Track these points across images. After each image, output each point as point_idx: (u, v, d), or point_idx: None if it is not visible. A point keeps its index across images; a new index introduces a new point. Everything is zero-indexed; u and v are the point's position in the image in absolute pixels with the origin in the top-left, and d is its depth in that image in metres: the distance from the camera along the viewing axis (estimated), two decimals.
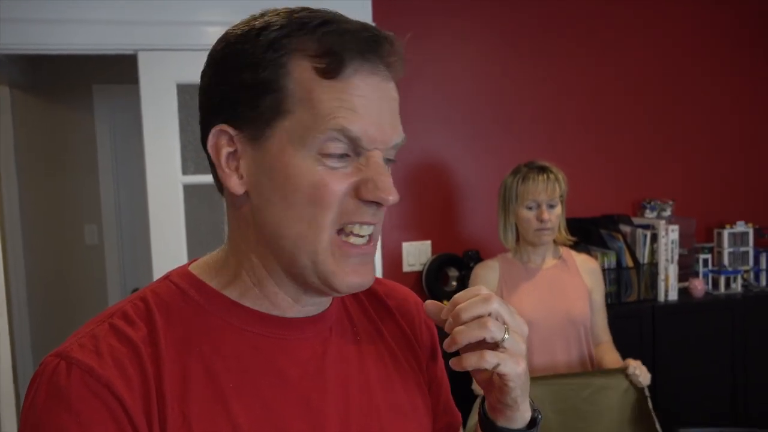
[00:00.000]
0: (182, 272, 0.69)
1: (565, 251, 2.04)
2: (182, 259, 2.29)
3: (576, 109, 2.67)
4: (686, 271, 2.63)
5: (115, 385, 0.57)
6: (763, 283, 2.67)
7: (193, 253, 2.31)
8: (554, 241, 2.00)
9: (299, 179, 0.61)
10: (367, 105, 0.62)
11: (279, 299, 0.67)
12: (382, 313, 0.78)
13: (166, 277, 0.68)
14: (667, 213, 2.65)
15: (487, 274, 2.01)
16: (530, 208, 1.91)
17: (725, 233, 2.68)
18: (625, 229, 2.54)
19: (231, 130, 0.64)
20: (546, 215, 1.88)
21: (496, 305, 0.64)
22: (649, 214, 2.65)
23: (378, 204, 0.64)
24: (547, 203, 1.89)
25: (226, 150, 0.64)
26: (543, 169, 1.92)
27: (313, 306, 0.69)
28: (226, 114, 0.64)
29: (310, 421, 0.64)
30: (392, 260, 2.51)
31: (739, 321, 2.49)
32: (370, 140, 0.62)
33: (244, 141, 0.63)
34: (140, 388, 0.58)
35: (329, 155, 0.62)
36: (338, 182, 0.62)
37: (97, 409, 0.56)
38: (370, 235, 0.66)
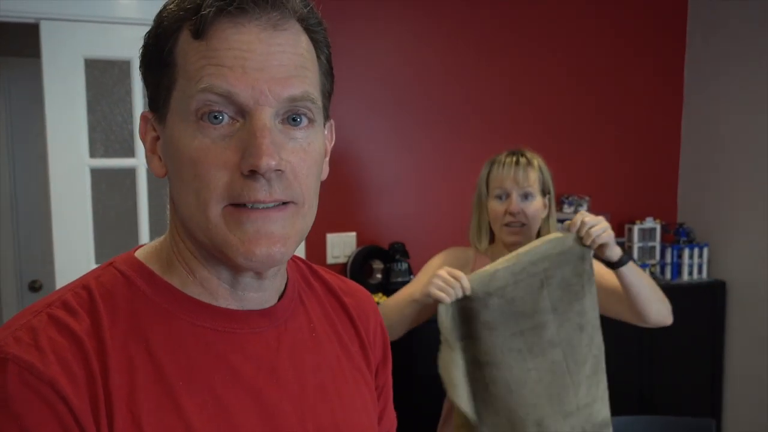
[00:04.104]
0: (127, 258, 0.64)
1: None
2: (89, 250, 2.13)
3: (500, 105, 2.70)
4: None
5: (60, 383, 0.52)
6: (668, 276, 2.83)
7: (102, 243, 2.15)
8: None
9: (182, 152, 0.58)
10: (242, 57, 0.56)
11: (214, 286, 0.63)
12: (338, 309, 0.76)
13: (110, 264, 0.64)
14: (584, 208, 2.74)
15: (460, 256, 1.69)
16: (499, 198, 1.59)
17: (635, 228, 2.81)
18: None
19: (149, 115, 0.63)
20: (516, 207, 1.56)
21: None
22: (567, 209, 2.73)
23: (277, 173, 0.57)
24: (518, 193, 1.57)
25: (150, 135, 0.64)
26: (514, 153, 1.63)
27: (255, 293, 0.65)
28: (149, 99, 0.63)
29: (265, 417, 0.61)
30: (316, 252, 2.44)
31: None
32: (250, 96, 0.56)
33: (157, 122, 0.62)
34: (86, 386, 0.54)
35: (206, 123, 0.57)
36: (216, 155, 0.57)
37: (40, 410, 0.51)
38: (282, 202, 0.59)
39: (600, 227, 1.39)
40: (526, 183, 1.58)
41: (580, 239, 1.40)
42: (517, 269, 1.37)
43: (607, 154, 2.91)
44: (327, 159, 0.68)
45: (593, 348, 1.45)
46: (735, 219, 2.78)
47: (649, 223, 2.83)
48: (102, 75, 2.14)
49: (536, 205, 1.60)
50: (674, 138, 3.05)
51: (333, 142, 0.71)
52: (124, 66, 2.20)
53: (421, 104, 2.58)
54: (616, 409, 2.46)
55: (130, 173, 2.23)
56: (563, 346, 1.40)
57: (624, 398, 2.58)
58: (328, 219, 2.47)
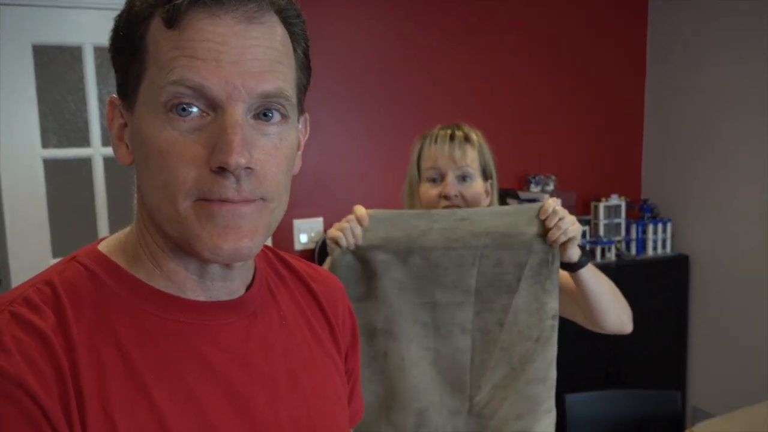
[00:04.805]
0: (91, 251, 0.62)
1: None
2: (45, 244, 2.07)
3: (466, 88, 2.69)
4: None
5: (29, 383, 0.50)
6: (633, 252, 2.87)
7: (58, 237, 2.09)
8: None
9: (150, 144, 0.56)
10: (216, 50, 0.55)
11: (181, 278, 0.62)
12: (307, 297, 0.75)
13: (73, 258, 0.62)
14: (551, 187, 2.76)
15: None
16: (432, 180, 1.33)
17: (601, 206, 2.83)
18: (513, 202, 2.62)
19: (117, 101, 0.61)
20: (452, 188, 1.29)
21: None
22: (534, 188, 2.74)
23: (247, 171, 0.56)
24: (455, 174, 1.31)
25: (118, 121, 0.62)
26: (448, 127, 1.37)
27: (223, 283, 0.64)
28: (117, 84, 0.61)
29: (238, 408, 0.60)
30: (283, 237, 2.41)
31: None
32: (223, 91, 0.55)
33: (125, 109, 0.60)
34: (56, 384, 0.52)
35: (175, 116, 0.55)
36: (185, 148, 0.55)
37: (10, 411, 0.49)
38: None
39: (569, 219, 1.18)
40: (464, 162, 1.31)
41: (542, 230, 1.18)
42: (454, 236, 1.18)
43: (572, 134, 2.93)
44: (300, 153, 0.67)
45: (512, 357, 1.21)
46: (697, 195, 2.83)
47: (614, 200, 2.86)
48: (52, 62, 2.06)
49: (476, 189, 1.32)
50: (638, 116, 3.08)
51: (307, 136, 0.69)
52: (75, 52, 2.11)
53: (387, 88, 2.55)
54: (583, 384, 2.51)
55: (86, 163, 2.16)
56: (475, 336, 1.21)
57: (590, 372, 2.62)
58: (295, 205, 2.43)
